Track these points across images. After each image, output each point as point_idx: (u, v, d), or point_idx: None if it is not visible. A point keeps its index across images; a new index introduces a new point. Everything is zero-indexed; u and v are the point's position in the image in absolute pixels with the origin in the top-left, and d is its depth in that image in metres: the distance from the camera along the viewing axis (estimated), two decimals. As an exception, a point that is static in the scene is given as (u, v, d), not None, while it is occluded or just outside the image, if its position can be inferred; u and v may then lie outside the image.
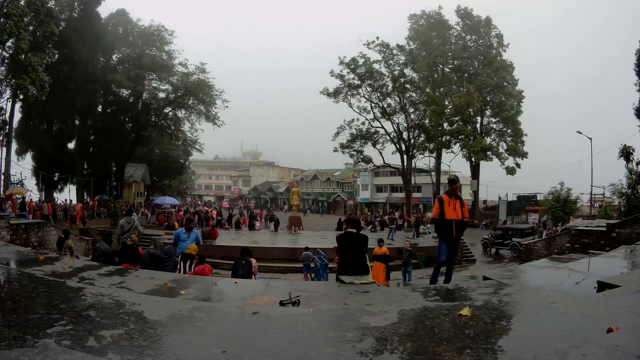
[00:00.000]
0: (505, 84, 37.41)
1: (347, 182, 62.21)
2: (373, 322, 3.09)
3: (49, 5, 22.65)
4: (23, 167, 27.67)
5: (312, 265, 13.58)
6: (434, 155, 41.06)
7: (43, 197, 28.62)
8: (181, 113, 36.08)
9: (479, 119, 38.58)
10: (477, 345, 2.54)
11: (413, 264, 17.47)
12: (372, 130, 33.73)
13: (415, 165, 37.37)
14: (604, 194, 32.83)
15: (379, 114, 33.34)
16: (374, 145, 33.99)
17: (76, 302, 3.32)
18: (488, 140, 37.49)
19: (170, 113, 35.97)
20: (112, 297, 3.53)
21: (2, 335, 2.33)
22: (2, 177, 24.10)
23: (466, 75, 37.98)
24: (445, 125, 37.37)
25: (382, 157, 34.11)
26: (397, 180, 42.43)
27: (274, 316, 3.28)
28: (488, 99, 37.05)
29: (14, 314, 2.85)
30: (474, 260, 20.14)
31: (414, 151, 34.47)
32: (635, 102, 24.16)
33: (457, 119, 36.98)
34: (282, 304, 3.70)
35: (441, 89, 36.27)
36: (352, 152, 34.45)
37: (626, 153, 19.47)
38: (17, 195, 22.35)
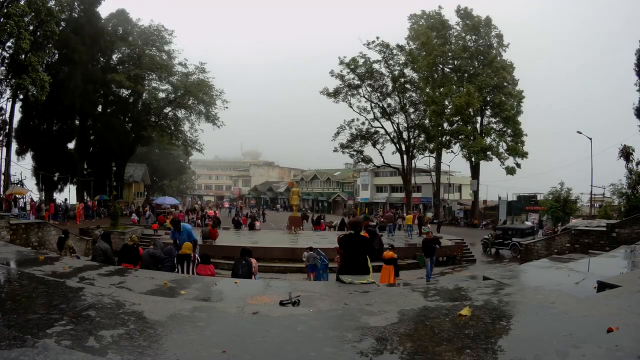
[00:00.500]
0: (505, 84, 37.39)
1: (347, 182, 62.18)
2: (373, 322, 3.09)
3: (50, 5, 22.64)
4: (23, 167, 27.68)
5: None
6: (434, 155, 41.06)
7: (43, 197, 28.63)
8: (181, 113, 36.10)
9: (479, 119, 38.57)
10: (477, 345, 2.54)
11: (413, 264, 17.51)
12: (372, 130, 33.76)
13: (415, 165, 37.39)
14: (604, 194, 32.87)
15: (379, 114, 33.37)
16: (374, 145, 34.01)
17: (76, 302, 3.32)
18: (488, 140, 37.48)
19: (170, 113, 35.97)
20: (112, 297, 3.53)
21: (2, 335, 2.33)
22: (2, 177, 24.09)
23: (466, 75, 37.97)
24: (445, 125, 37.36)
25: (382, 157, 34.17)
26: (397, 180, 42.46)
27: (274, 316, 3.28)
28: (488, 99, 37.04)
29: (14, 314, 2.85)
30: (474, 260, 20.13)
31: (414, 151, 34.49)
32: (635, 102, 24.17)
33: (457, 119, 36.97)
34: (282, 304, 3.70)
35: (441, 89, 36.27)
36: (352, 152, 34.47)
37: (626, 153, 19.49)
38: (17, 195, 22.36)
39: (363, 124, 33.64)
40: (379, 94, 32.97)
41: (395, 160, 35.43)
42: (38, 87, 22.09)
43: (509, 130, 37.34)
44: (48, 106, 25.85)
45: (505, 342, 2.69)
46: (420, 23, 39.47)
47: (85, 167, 32.63)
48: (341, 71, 32.50)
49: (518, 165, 37.18)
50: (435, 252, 14.63)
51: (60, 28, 26.27)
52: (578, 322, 2.93)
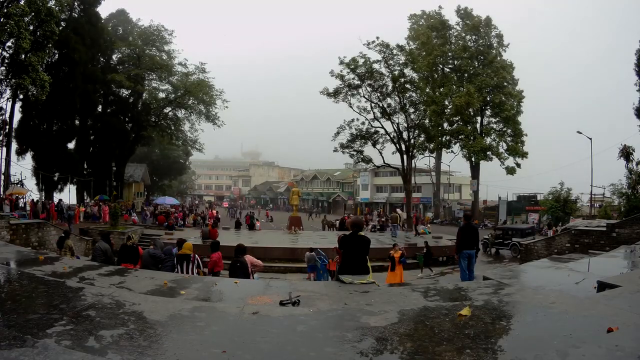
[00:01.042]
0: (505, 84, 37.38)
1: (347, 182, 62.19)
2: (373, 322, 3.09)
3: (50, 5, 22.62)
4: (23, 167, 27.68)
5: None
6: (434, 155, 41.04)
7: (43, 197, 28.63)
8: (181, 113, 36.06)
9: (479, 119, 38.55)
10: (477, 345, 2.54)
11: (413, 264, 17.51)
12: (372, 130, 33.66)
13: (415, 165, 37.34)
14: (604, 194, 32.87)
15: (379, 114, 33.28)
16: (374, 145, 33.93)
17: (76, 302, 3.32)
18: (488, 140, 37.47)
19: (170, 113, 35.94)
20: (112, 297, 3.53)
21: (2, 335, 2.33)
22: (2, 177, 24.09)
23: (466, 75, 37.96)
24: (445, 125, 37.33)
25: (382, 157, 34.06)
26: (397, 180, 42.44)
27: (274, 316, 3.28)
28: (488, 99, 37.03)
29: (14, 314, 2.85)
30: (474, 260, 20.12)
31: (414, 151, 34.39)
32: (635, 102, 24.20)
33: (457, 119, 36.94)
34: (282, 304, 3.70)
35: (441, 89, 36.24)
36: (352, 152, 34.37)
37: (626, 153, 19.50)
38: (17, 195, 22.36)
39: (363, 124, 33.58)
40: (379, 94, 32.90)
41: (395, 160, 35.38)
42: (38, 87, 22.08)
43: (509, 130, 37.33)
44: (48, 106, 25.84)
45: (505, 342, 2.69)
46: (420, 23, 39.47)
47: (85, 167, 32.61)
48: (341, 71, 32.44)
49: (518, 165, 37.17)
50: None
51: (60, 28, 26.25)
52: (578, 322, 2.93)
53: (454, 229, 32.10)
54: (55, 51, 27.57)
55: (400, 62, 32.72)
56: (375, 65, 32.14)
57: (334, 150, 34.39)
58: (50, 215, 21.24)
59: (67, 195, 31.09)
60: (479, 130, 37.93)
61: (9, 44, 21.98)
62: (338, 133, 34.13)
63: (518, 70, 39.00)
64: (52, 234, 13.50)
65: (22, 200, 23.34)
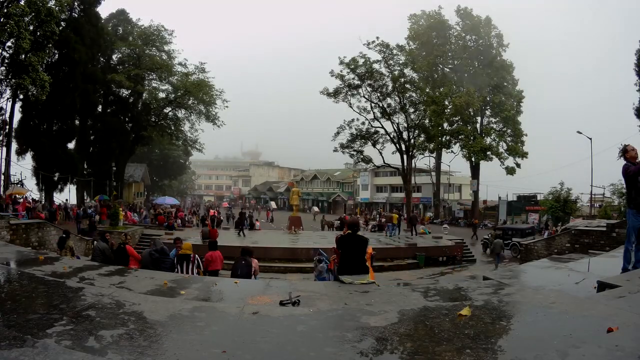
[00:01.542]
0: (505, 84, 37.41)
1: (347, 182, 62.19)
2: (373, 322, 3.09)
3: (50, 5, 22.60)
4: (23, 167, 27.66)
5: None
6: (434, 155, 41.06)
7: (43, 198, 28.63)
8: (181, 113, 36.06)
9: (479, 119, 38.58)
10: (477, 345, 2.54)
11: (413, 264, 17.51)
12: (372, 130, 33.71)
13: (415, 165, 37.37)
14: (604, 194, 32.90)
15: (379, 114, 33.33)
16: (374, 145, 33.97)
17: (76, 302, 3.32)
18: (488, 140, 37.50)
19: (170, 113, 35.94)
20: (112, 297, 3.53)
21: (2, 335, 2.33)
22: (2, 177, 24.08)
23: (466, 75, 37.97)
24: (445, 125, 37.37)
25: (382, 157, 34.11)
26: (397, 180, 42.47)
27: (274, 316, 3.28)
28: (488, 99, 37.05)
29: (14, 314, 2.85)
30: (474, 260, 20.14)
31: (414, 151, 34.45)
32: (635, 102, 24.21)
33: (457, 119, 36.98)
34: (282, 304, 3.70)
35: (441, 89, 36.26)
36: (352, 152, 34.43)
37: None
38: (16, 195, 22.34)
39: (363, 124, 33.63)
40: (379, 94, 32.94)
41: (395, 160, 35.43)
42: (38, 87, 22.06)
43: (508, 130, 37.36)
44: (48, 106, 25.81)
45: (505, 342, 2.69)
46: (420, 23, 39.48)
47: (85, 167, 32.61)
48: (341, 71, 32.49)
49: (518, 165, 37.19)
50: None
51: (60, 28, 26.22)
52: (578, 322, 2.93)
53: (454, 229, 32.35)
54: (55, 51, 27.53)
55: (400, 62, 32.77)
56: (375, 65, 32.20)
57: (334, 150, 34.46)
58: (52, 216, 21.25)
59: (67, 195, 31.14)
60: (479, 130, 37.95)
61: (9, 44, 21.96)
62: (338, 133, 34.20)
63: (519, 70, 39.09)
64: (52, 234, 13.48)
65: (21, 200, 23.34)
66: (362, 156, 34.55)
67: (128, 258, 8.02)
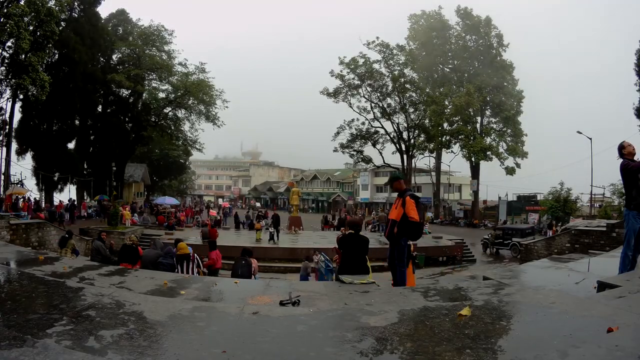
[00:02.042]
0: (505, 84, 37.42)
1: (347, 182, 62.20)
2: (373, 322, 3.09)
3: (50, 5, 22.61)
4: (23, 167, 27.68)
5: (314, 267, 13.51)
6: (434, 155, 41.07)
7: (43, 198, 28.63)
8: (181, 113, 36.07)
9: (479, 119, 38.59)
10: (477, 345, 2.54)
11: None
12: (372, 130, 33.75)
13: (415, 165, 37.38)
14: (604, 194, 32.91)
15: (379, 114, 33.37)
16: (374, 145, 33.99)
17: (76, 302, 3.32)
18: (488, 140, 37.51)
19: (170, 113, 35.95)
20: (112, 297, 3.53)
21: (2, 335, 2.33)
22: (2, 177, 24.09)
23: (466, 75, 37.98)
24: (445, 125, 37.38)
25: (382, 157, 34.14)
26: (397, 180, 42.39)
27: (274, 316, 3.28)
28: (488, 99, 37.06)
29: (14, 314, 2.85)
30: (474, 260, 20.15)
31: (414, 151, 34.47)
32: (635, 102, 24.21)
33: (457, 119, 36.99)
34: (282, 304, 3.70)
35: (441, 89, 36.28)
36: (352, 152, 34.46)
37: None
38: (17, 195, 22.34)
39: (363, 124, 33.67)
40: (379, 94, 32.97)
41: (395, 160, 35.45)
42: (38, 87, 22.07)
43: (509, 130, 37.38)
44: (48, 106, 25.82)
45: (505, 342, 2.69)
46: (420, 23, 39.49)
47: (85, 167, 32.61)
48: (341, 71, 32.53)
49: (518, 165, 37.22)
50: None
51: (60, 28, 26.23)
52: (578, 322, 2.93)
53: (454, 229, 32.38)
54: (55, 51, 27.55)
55: (400, 62, 32.79)
56: (375, 65, 32.24)
57: (334, 150, 34.50)
58: (52, 216, 21.26)
59: (67, 195, 31.14)
60: (479, 130, 37.97)
61: (9, 44, 21.97)
62: (338, 133, 34.23)
63: (519, 70, 39.06)
64: (52, 234, 13.50)
65: (21, 200, 23.34)
66: (362, 156, 34.59)
67: (139, 258, 8.05)
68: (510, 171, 36.89)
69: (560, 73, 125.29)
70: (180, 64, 34.05)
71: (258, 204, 61.68)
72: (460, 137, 37.13)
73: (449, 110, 36.04)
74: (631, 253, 4.89)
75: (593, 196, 31.10)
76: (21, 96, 25.05)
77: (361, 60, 31.93)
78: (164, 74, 33.45)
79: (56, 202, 28.21)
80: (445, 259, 18.70)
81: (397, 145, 33.61)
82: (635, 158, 4.98)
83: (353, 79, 32.59)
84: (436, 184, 44.03)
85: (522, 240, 20.10)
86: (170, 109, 35.41)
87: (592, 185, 29.78)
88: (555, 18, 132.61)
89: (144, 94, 35.11)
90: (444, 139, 36.68)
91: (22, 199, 22.70)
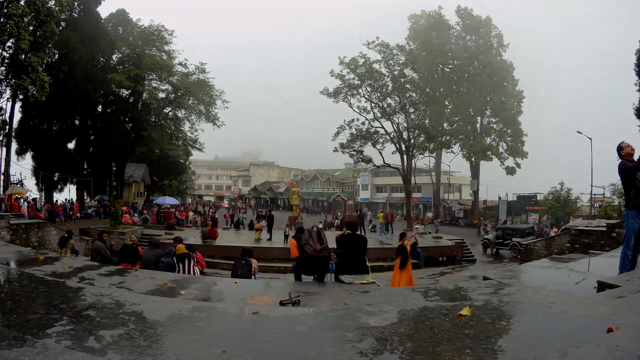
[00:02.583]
0: (505, 84, 37.40)
1: (347, 182, 62.22)
2: (373, 322, 3.09)
3: (50, 5, 22.61)
4: (23, 167, 27.70)
5: None
6: (434, 155, 41.05)
7: (43, 198, 28.63)
8: (181, 113, 36.06)
9: (479, 119, 38.57)
10: (477, 345, 2.54)
11: (413, 264, 17.50)
12: (372, 130, 33.65)
13: (415, 165, 37.34)
14: (604, 194, 32.88)
15: (379, 114, 33.27)
16: (374, 145, 33.91)
17: (76, 302, 3.33)
18: (488, 140, 37.48)
19: (170, 113, 35.94)
20: (112, 297, 3.53)
21: (2, 335, 2.33)
22: (2, 177, 24.09)
23: (466, 75, 37.97)
24: (445, 125, 37.35)
25: (382, 157, 34.04)
26: (397, 180, 42.45)
27: (274, 316, 3.28)
28: (488, 99, 37.05)
29: (14, 314, 2.85)
30: (474, 260, 20.15)
31: (414, 151, 34.39)
32: (635, 102, 24.13)
33: (457, 119, 36.96)
34: (282, 304, 3.70)
35: (441, 89, 36.24)
36: (352, 152, 34.36)
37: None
38: (17, 195, 22.34)
39: (363, 124, 33.57)
40: (379, 94, 32.90)
41: (395, 160, 35.38)
42: (38, 87, 22.07)
43: (509, 130, 37.37)
44: (48, 106, 25.82)
45: (505, 342, 2.69)
46: (421, 23, 39.48)
47: (85, 167, 32.61)
48: (341, 71, 32.45)
49: (518, 165, 37.21)
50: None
51: (60, 28, 26.24)
52: (578, 322, 2.93)
53: (454, 229, 32.38)
54: (55, 51, 27.55)
55: (400, 62, 32.72)
56: (375, 65, 32.15)
57: (334, 150, 34.41)
58: (54, 216, 21.31)
59: (67, 195, 31.15)
60: (479, 130, 37.95)
61: (8, 44, 21.98)
62: (338, 133, 34.14)
63: (518, 70, 39.05)
64: (52, 234, 13.49)
65: (21, 200, 23.33)
66: (362, 156, 34.51)
67: (139, 258, 8.04)
68: (510, 171, 36.88)
69: (560, 72, 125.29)
70: (180, 64, 34.07)
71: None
72: (460, 137, 37.10)
73: (449, 110, 36.04)
74: (631, 253, 4.88)
75: (593, 196, 31.11)
76: (21, 96, 25.05)
77: (361, 60, 31.86)
78: (164, 74, 33.44)
79: (58, 202, 28.22)
80: (445, 259, 18.69)
81: (397, 145, 33.54)
82: (635, 158, 4.99)
83: (353, 79, 32.55)
84: (436, 184, 44.03)
85: (522, 240, 20.10)
86: (170, 109, 35.41)
87: (592, 185, 29.81)
88: (554, 18, 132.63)
89: (144, 94, 35.11)
90: (444, 139, 36.66)
91: (26, 203, 22.65)
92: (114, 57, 34.36)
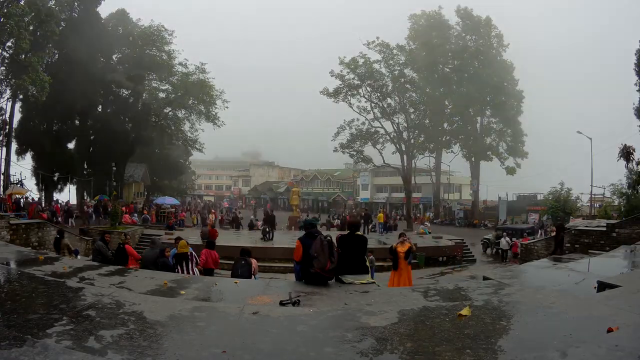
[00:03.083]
0: (505, 84, 37.40)
1: (347, 182, 62.18)
2: (373, 322, 3.09)
3: (50, 5, 22.64)
4: (23, 167, 27.69)
5: None
6: (434, 155, 41.06)
7: (43, 198, 28.62)
8: (181, 113, 36.04)
9: (479, 119, 38.56)
10: (477, 345, 2.54)
11: (413, 264, 17.49)
12: (372, 130, 33.67)
13: (415, 165, 37.35)
14: (604, 194, 32.85)
15: (379, 114, 33.29)
16: (374, 145, 33.92)
17: (76, 302, 3.32)
18: (488, 140, 37.45)
19: (170, 113, 35.94)
20: (112, 297, 3.53)
21: (2, 335, 2.33)
22: (2, 177, 24.10)
23: (466, 75, 37.96)
24: (445, 125, 37.32)
25: (382, 157, 34.05)
26: (397, 180, 42.45)
27: (274, 316, 3.28)
28: (488, 99, 37.03)
29: (14, 314, 2.85)
30: (474, 260, 20.13)
31: (414, 151, 34.40)
32: (635, 102, 24.12)
33: (457, 119, 36.94)
34: (282, 304, 3.70)
35: (441, 89, 36.24)
36: (352, 152, 34.38)
37: (626, 153, 19.42)
38: (17, 195, 22.34)
39: (363, 124, 33.59)
40: (379, 94, 32.91)
41: (395, 160, 35.38)
42: (38, 87, 22.08)
43: (509, 130, 37.36)
44: (48, 106, 25.82)
45: (505, 342, 2.69)
46: (421, 23, 39.45)
47: (85, 167, 32.61)
48: (341, 71, 32.46)
49: (518, 165, 37.20)
50: None
51: (60, 28, 26.25)
52: (578, 322, 2.93)
53: (454, 229, 32.35)
54: (55, 51, 27.56)
55: (400, 62, 32.75)
56: (375, 65, 32.17)
57: (334, 150, 34.43)
58: (54, 216, 21.29)
59: (67, 195, 31.14)
60: (479, 130, 37.93)
61: (8, 44, 21.98)
62: (338, 133, 34.15)
63: (519, 69, 39.03)
64: (52, 234, 13.48)
65: (22, 200, 23.35)
66: (362, 156, 34.52)
67: (127, 258, 8.03)
68: (510, 171, 36.88)
69: (560, 72, 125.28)
70: (180, 64, 34.04)
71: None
72: (460, 137, 37.07)
73: (449, 110, 36.02)
74: None
75: (593, 196, 31.10)
76: (21, 96, 25.06)
77: (361, 60, 31.88)
78: (164, 74, 33.45)
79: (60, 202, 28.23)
80: (445, 259, 18.68)
81: (397, 145, 33.53)
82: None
83: (353, 79, 32.56)
84: (436, 184, 44.00)
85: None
86: (170, 109, 35.41)
87: (592, 185, 29.80)
88: (554, 18, 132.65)
89: (144, 94, 35.10)
90: (444, 139, 36.65)
91: (30, 202, 22.66)
92: (114, 57, 34.36)
